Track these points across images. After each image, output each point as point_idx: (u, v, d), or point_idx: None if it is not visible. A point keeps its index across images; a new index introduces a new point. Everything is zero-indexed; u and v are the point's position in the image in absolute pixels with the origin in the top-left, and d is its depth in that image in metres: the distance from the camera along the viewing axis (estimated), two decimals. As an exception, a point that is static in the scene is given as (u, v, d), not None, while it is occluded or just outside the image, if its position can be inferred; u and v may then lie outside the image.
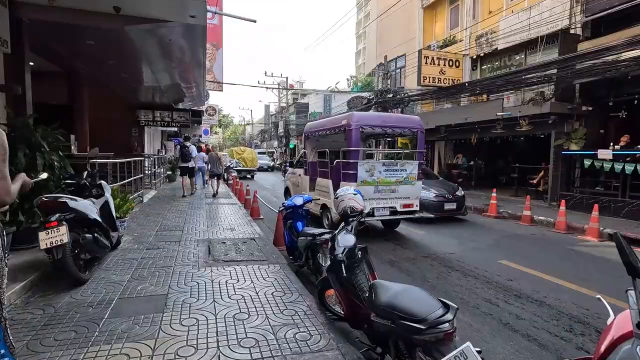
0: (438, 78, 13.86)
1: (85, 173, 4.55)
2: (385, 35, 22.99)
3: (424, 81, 13.72)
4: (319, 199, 7.32)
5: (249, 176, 23.15)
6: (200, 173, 13.42)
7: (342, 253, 2.78)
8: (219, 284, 3.83)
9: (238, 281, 3.95)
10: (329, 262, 2.86)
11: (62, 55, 7.62)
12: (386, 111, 18.07)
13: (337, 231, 3.06)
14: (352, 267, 2.92)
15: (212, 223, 7.18)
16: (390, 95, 17.15)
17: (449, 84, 14.06)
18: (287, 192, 9.91)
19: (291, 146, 39.72)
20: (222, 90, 25.50)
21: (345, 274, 2.71)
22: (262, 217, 8.97)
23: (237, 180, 14.33)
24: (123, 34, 6.18)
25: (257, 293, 3.64)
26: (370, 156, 8.64)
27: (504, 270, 5.33)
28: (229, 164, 20.17)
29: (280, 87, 42.88)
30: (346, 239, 2.92)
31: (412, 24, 18.86)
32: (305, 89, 50.72)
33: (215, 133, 68.84)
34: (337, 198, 3.25)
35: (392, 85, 18.28)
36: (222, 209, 8.97)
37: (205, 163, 13.04)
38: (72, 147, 7.38)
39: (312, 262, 4.49)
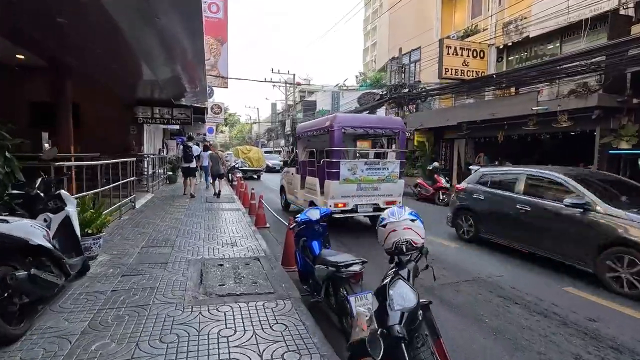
0: (461, 70, 12.63)
1: (39, 180, 3.50)
2: (398, 28, 21.75)
3: (445, 73, 12.51)
4: (308, 197, 7.77)
5: (255, 176, 22.13)
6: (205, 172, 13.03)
7: (401, 323, 1.68)
8: (208, 338, 2.74)
9: (235, 332, 2.86)
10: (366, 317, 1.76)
11: (38, 40, 6.59)
12: (401, 107, 16.92)
13: (387, 279, 1.95)
14: (411, 338, 1.82)
15: (210, 235, 6.11)
16: (406, 90, 15.96)
17: (472, 76, 12.82)
18: (282, 191, 10.35)
19: (298, 145, 38.64)
20: (227, 87, 24.55)
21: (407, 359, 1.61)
22: (268, 225, 7.91)
23: (242, 182, 13.29)
24: (101, 11, 5.13)
25: (260, 355, 2.55)
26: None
27: (577, 303, 4.16)
28: (234, 163, 19.16)
29: (287, 84, 41.86)
30: (404, 296, 1.82)
31: (428, 14, 17.62)
32: (313, 84, 49.66)
33: (221, 132, 68.02)
34: (383, 226, 2.14)
35: (406, 80, 17.08)
36: (223, 216, 7.91)
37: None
38: (46, 147, 6.35)
39: (334, 300, 3.39)
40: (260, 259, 4.85)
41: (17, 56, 10.47)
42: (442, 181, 12.14)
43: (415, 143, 16.53)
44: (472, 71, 12.74)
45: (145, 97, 13.06)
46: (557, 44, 11.26)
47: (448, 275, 5.06)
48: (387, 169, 7.30)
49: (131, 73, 9.32)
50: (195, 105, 16.97)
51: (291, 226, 3.90)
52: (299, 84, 46.14)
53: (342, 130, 7.03)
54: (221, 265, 4.51)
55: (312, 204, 7.51)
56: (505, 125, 11.94)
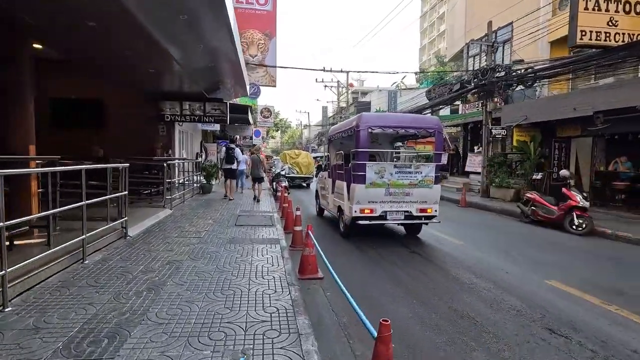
0: (605, 33, 8.50)
1: None
2: (479, 5, 17.76)
3: (581, 38, 8.47)
4: (337, 201, 7.48)
5: (304, 184, 19.25)
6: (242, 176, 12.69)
7: None
8: None
9: None
10: None
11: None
12: (491, 96, 12.97)
13: None
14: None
15: (209, 316, 3.10)
16: (502, 74, 11.98)
17: (622, 41, 8.63)
18: (316, 196, 9.98)
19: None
20: (275, 85, 22.13)
21: None
22: (320, 275, 4.78)
23: (286, 194, 10.38)
24: None
25: None
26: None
27: None
28: (279, 170, 16.44)
29: (339, 84, 39.00)
30: None
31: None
32: (367, 85, 46.32)
33: (272, 137, 67.07)
34: None
35: (490, 63, 13.03)
36: (248, 259, 4.92)
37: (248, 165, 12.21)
38: None
39: None
40: None
41: (34, 46, 8.83)
42: (577, 198, 8.10)
43: (514, 143, 12.43)
44: (624, 33, 8.54)
45: (173, 89, 10.76)
46: None
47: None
48: (421, 172, 6.68)
49: (144, 54, 6.86)
50: (234, 103, 14.59)
51: None
52: (351, 85, 43.13)
53: (369, 130, 6.54)
54: None
55: (339, 209, 7.29)
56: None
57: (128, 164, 5.56)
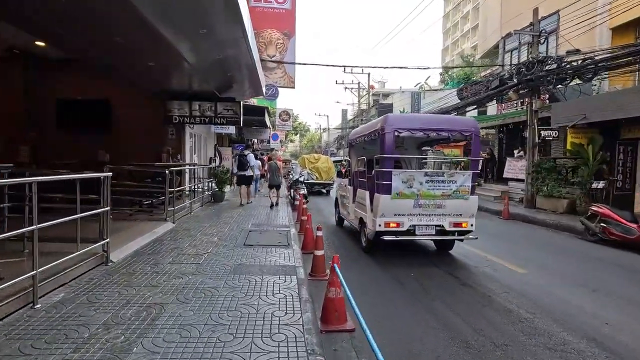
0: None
1: None
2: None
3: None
4: (358, 212, 6.85)
5: (323, 191, 18.01)
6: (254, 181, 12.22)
7: None
8: None
9: None
10: None
11: None
12: (537, 93, 11.39)
13: None
14: None
15: None
16: (554, 66, 10.37)
17: None
18: (336, 204, 9.41)
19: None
20: (293, 87, 21.08)
21: None
22: (350, 326, 3.52)
23: (305, 205, 9.17)
24: None
25: None
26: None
27: None
28: (297, 176, 15.27)
29: (359, 86, 37.73)
30: None
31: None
32: (388, 87, 44.85)
33: (291, 141, 66.34)
34: None
35: (538, 55, 11.41)
36: (256, 295, 3.72)
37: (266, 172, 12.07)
38: None
39: None
40: None
41: (37, 43, 8.25)
42: (667, 214, 6.50)
43: (568, 146, 10.77)
44: None
45: (181, 88, 9.82)
46: None
47: None
48: (455, 182, 5.88)
49: (140, 41, 5.88)
50: (250, 104, 13.58)
51: None
52: (372, 87, 41.73)
53: (396, 133, 5.84)
54: None
55: (361, 221, 6.67)
56: None
57: (111, 173, 4.49)
